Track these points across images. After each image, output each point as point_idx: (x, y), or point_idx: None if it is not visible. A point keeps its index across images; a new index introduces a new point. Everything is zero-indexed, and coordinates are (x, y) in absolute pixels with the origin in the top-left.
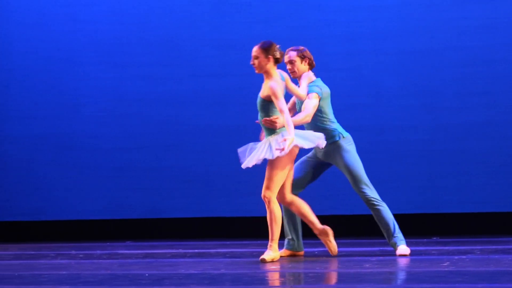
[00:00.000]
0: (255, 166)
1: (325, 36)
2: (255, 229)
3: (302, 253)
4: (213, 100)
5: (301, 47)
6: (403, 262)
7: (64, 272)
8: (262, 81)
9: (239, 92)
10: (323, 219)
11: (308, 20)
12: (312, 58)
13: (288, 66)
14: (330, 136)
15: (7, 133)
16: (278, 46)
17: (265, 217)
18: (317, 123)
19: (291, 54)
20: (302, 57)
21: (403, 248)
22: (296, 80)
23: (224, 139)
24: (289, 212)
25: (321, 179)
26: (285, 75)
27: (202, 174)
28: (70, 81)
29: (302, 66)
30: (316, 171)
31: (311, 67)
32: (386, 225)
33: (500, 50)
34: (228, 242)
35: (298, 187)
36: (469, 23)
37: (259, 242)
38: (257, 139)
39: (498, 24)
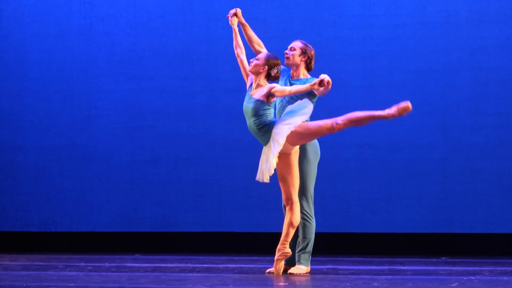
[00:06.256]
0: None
1: (340, 54)
2: (265, 245)
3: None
4: (227, 114)
5: (310, 46)
6: (411, 281)
7: (72, 284)
8: None
9: None
10: (332, 236)
11: (323, 37)
12: (312, 60)
13: (286, 51)
14: None
15: (20, 143)
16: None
17: (277, 233)
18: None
19: (296, 43)
20: (303, 52)
21: (299, 267)
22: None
23: (237, 153)
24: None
25: (331, 196)
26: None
27: (215, 188)
28: (85, 92)
29: (297, 58)
30: None
31: (307, 67)
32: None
33: None
34: (237, 258)
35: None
36: (484, 43)
37: (268, 258)
38: None
39: None
